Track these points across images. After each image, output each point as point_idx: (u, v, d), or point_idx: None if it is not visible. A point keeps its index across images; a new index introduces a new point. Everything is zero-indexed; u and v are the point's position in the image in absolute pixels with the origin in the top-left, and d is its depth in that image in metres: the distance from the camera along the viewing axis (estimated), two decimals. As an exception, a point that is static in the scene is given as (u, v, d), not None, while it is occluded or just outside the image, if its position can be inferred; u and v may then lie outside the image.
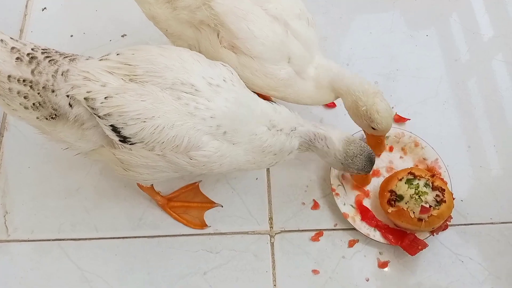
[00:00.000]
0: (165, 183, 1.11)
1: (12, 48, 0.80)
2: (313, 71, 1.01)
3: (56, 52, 0.84)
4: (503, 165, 1.18)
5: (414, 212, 1.00)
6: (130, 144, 0.81)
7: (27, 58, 0.81)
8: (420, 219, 0.99)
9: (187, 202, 1.10)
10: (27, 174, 1.12)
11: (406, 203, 1.01)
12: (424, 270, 1.05)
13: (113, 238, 1.07)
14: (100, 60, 0.83)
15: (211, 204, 1.11)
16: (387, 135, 1.15)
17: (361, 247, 1.07)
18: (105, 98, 0.78)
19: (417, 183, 1.02)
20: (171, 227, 1.08)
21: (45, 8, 1.31)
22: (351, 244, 1.07)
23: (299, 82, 1.00)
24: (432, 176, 1.05)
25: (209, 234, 1.08)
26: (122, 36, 1.29)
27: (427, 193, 1.01)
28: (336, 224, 1.09)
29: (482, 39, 1.35)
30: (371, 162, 0.98)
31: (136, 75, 0.80)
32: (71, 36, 1.28)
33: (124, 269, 1.04)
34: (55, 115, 0.83)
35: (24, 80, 0.80)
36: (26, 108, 0.83)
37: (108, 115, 0.78)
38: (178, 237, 1.07)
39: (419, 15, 1.37)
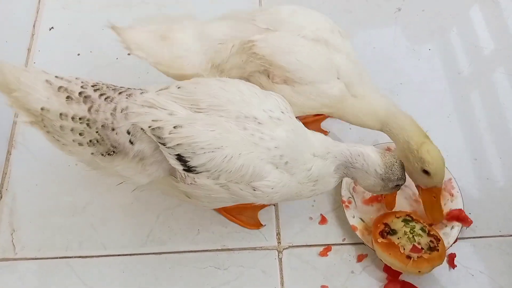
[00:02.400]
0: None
1: (60, 87, 0.81)
2: (363, 91, 1.03)
3: (108, 87, 0.84)
4: (510, 177, 1.18)
5: (404, 248, 0.98)
6: (195, 174, 0.80)
7: (79, 97, 0.80)
8: (408, 257, 0.97)
9: (240, 203, 1.10)
10: (34, 192, 1.13)
11: (398, 238, 1.00)
12: (434, 284, 1.04)
13: (121, 255, 1.07)
14: (160, 90, 0.84)
15: (263, 204, 1.11)
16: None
17: (370, 261, 1.06)
18: (174, 127, 0.77)
19: (414, 225, 1.02)
20: (179, 244, 1.08)
21: (52, 27, 1.32)
22: (360, 258, 1.07)
23: (349, 99, 1.02)
24: (430, 225, 1.05)
25: (217, 250, 1.07)
26: (129, 54, 1.30)
27: (421, 236, 1.00)
28: (345, 239, 1.09)
29: (484, 52, 1.37)
30: (404, 169, 0.96)
31: (200, 108, 0.80)
32: (78, 54, 1.29)
33: (132, 287, 1.03)
34: (113, 151, 0.82)
35: (80, 118, 0.80)
36: (80, 144, 0.82)
37: (177, 145, 0.78)
38: (186, 253, 1.07)
39: (421, 30, 1.39)
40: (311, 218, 1.12)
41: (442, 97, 1.29)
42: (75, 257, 1.06)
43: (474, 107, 1.28)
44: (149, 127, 0.78)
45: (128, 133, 0.80)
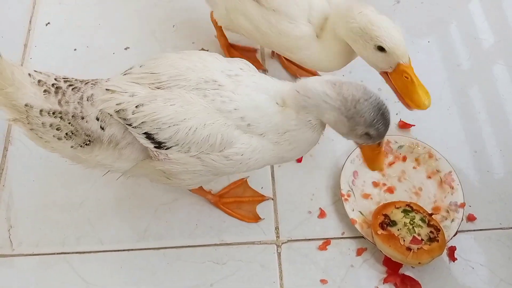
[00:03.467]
0: (213, 182, 1.11)
1: (39, 81, 0.81)
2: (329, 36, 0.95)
3: (77, 80, 0.85)
4: (509, 169, 1.17)
5: (404, 240, 0.98)
6: (166, 149, 0.81)
7: (53, 89, 0.81)
8: (408, 249, 0.97)
9: (239, 197, 1.11)
10: (31, 188, 1.12)
11: (398, 229, 0.99)
12: (434, 277, 1.03)
13: (119, 250, 1.06)
14: (124, 74, 0.84)
15: (261, 197, 1.11)
16: (401, 144, 1.13)
17: (370, 255, 1.05)
18: (136, 107, 0.78)
19: (414, 215, 1.01)
20: (177, 239, 1.07)
21: (48, 23, 1.32)
22: (359, 252, 1.06)
23: (315, 44, 0.96)
24: (430, 215, 1.04)
25: (215, 245, 1.07)
26: (125, 48, 1.30)
27: (421, 227, 1.00)
28: (344, 233, 1.08)
29: (483, 45, 1.36)
30: (383, 113, 0.77)
31: (161, 82, 0.80)
32: (75, 49, 1.28)
33: (130, 282, 1.02)
34: (89, 141, 0.83)
35: (53, 112, 0.81)
36: (59, 139, 0.83)
37: (142, 123, 0.79)
38: (184, 248, 1.06)
39: (419, 22, 1.38)
40: (310, 212, 1.11)
41: (442, 89, 1.28)
42: (72, 252, 1.06)
43: (473, 99, 1.27)
44: (115, 111, 0.79)
45: (97, 119, 0.81)
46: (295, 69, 1.27)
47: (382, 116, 0.77)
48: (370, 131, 0.78)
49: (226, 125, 0.80)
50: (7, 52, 1.17)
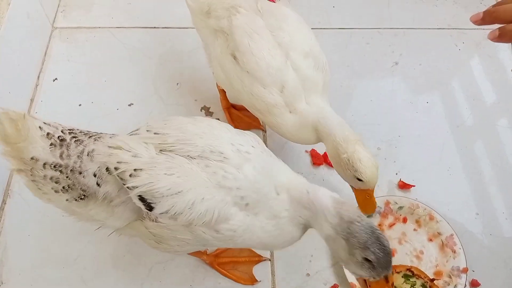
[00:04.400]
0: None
1: (48, 134, 0.81)
2: (303, 106, 1.01)
3: (81, 132, 0.85)
4: (513, 233, 1.14)
5: None
6: (159, 214, 0.79)
7: (58, 142, 0.81)
8: None
9: (235, 257, 1.08)
10: (26, 243, 1.11)
11: None
12: None
13: (110, 311, 1.03)
14: (130, 135, 0.84)
15: (258, 258, 1.09)
16: (401, 205, 1.13)
17: (369, 321, 1.01)
18: (135, 170, 0.77)
19: (415, 281, 0.99)
20: (170, 300, 1.04)
21: (56, 78, 1.36)
22: (359, 318, 1.02)
23: (285, 114, 1.00)
24: (432, 280, 1.01)
25: (210, 306, 1.03)
26: (129, 105, 1.32)
27: None
28: (342, 297, 1.05)
29: (484, 105, 1.37)
30: (377, 237, 0.75)
31: (167, 144, 0.80)
32: (80, 105, 1.31)
33: None
34: (84, 195, 0.82)
35: (55, 165, 0.80)
36: (56, 191, 0.82)
37: (138, 191, 0.77)
38: (177, 310, 1.03)
39: (418, 83, 1.40)
40: (308, 274, 1.08)
41: (442, 150, 1.28)
42: (62, 312, 1.03)
43: (474, 160, 1.27)
44: (115, 168, 0.78)
45: (95, 175, 0.81)
46: None
47: (377, 239, 0.75)
48: (368, 255, 0.75)
49: (224, 202, 0.78)
50: (13, 107, 1.21)
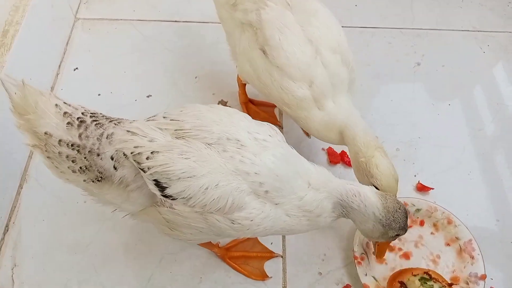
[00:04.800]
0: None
1: (65, 113, 0.82)
2: (331, 105, 1.00)
3: (103, 116, 0.85)
4: (535, 242, 1.10)
5: None
6: (171, 199, 0.79)
7: (77, 122, 0.82)
8: None
9: (246, 252, 1.07)
10: (40, 227, 1.12)
11: None
12: None
13: (119, 299, 1.03)
14: (147, 120, 0.85)
15: (270, 254, 1.08)
16: (419, 207, 1.11)
17: (381, 324, 0.99)
18: (151, 153, 0.78)
19: (432, 285, 0.96)
20: (180, 291, 1.03)
21: (76, 68, 1.37)
22: (371, 319, 0.99)
23: (313, 109, 1.00)
24: (450, 285, 0.98)
25: (219, 301, 1.02)
26: (147, 96, 1.33)
27: None
28: (355, 297, 1.02)
29: (507, 110, 1.33)
30: (407, 217, 0.89)
31: (183, 130, 0.80)
32: (99, 95, 1.32)
33: (127, 334, 0.98)
34: (101, 177, 0.83)
35: (72, 145, 0.81)
36: (73, 171, 0.83)
37: (153, 171, 0.77)
38: (186, 301, 1.02)
39: (440, 85, 1.37)
40: (320, 273, 1.06)
41: (462, 154, 1.25)
42: (72, 297, 1.03)
43: (496, 165, 1.23)
44: (131, 153, 0.79)
45: (112, 158, 0.81)
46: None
47: (407, 219, 0.88)
48: (401, 232, 0.88)
49: (239, 190, 0.77)
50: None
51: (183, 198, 0.78)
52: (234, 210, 0.78)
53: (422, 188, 1.18)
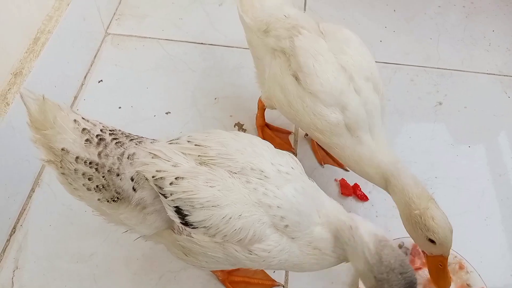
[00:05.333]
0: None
1: (83, 129, 0.80)
2: (369, 139, 0.98)
3: (122, 133, 0.84)
4: (553, 297, 1.04)
5: None
6: (192, 228, 0.77)
7: (96, 140, 0.80)
8: None
9: (248, 277, 1.05)
10: (47, 233, 1.12)
11: None
12: None
13: (115, 313, 1.02)
14: (170, 143, 0.83)
15: (272, 282, 1.05)
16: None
17: None
18: (176, 179, 0.76)
19: None
20: (176, 311, 1.01)
21: (101, 80, 1.41)
22: None
23: (347, 137, 0.98)
24: None
25: (216, 327, 0.99)
26: (166, 113, 1.35)
27: None
28: (356, 336, 0.98)
29: (531, 158, 1.29)
30: (411, 285, 0.77)
31: (208, 156, 0.78)
32: (119, 107, 1.35)
33: None
34: (117, 198, 0.81)
35: (90, 162, 0.79)
36: (88, 189, 0.81)
37: (176, 197, 0.75)
38: (181, 323, 1.00)
39: (461, 126, 1.35)
40: (322, 307, 1.03)
41: (481, 198, 1.21)
42: (69, 307, 1.02)
43: (516, 214, 1.19)
44: (153, 177, 0.77)
45: (132, 180, 0.79)
46: (322, 155, 1.25)
47: (407, 284, 0.76)
48: None
49: (261, 222, 0.76)
50: (56, 101, 1.26)
51: (204, 227, 0.76)
52: (254, 242, 0.77)
53: (435, 230, 1.14)
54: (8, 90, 1.06)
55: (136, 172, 0.78)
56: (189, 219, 0.76)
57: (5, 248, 1.09)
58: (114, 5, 1.58)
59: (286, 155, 0.84)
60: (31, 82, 1.11)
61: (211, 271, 1.04)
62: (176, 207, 0.76)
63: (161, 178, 0.76)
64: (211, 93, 1.39)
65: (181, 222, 0.77)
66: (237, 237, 0.76)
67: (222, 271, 1.04)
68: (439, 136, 1.33)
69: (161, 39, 1.52)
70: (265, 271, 1.07)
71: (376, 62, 1.47)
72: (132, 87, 1.40)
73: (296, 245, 0.80)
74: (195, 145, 0.80)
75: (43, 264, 1.08)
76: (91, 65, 1.43)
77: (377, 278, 0.77)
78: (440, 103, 1.40)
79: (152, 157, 0.78)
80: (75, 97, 1.36)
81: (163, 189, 0.76)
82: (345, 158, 1.02)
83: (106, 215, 0.86)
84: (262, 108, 1.23)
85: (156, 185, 0.77)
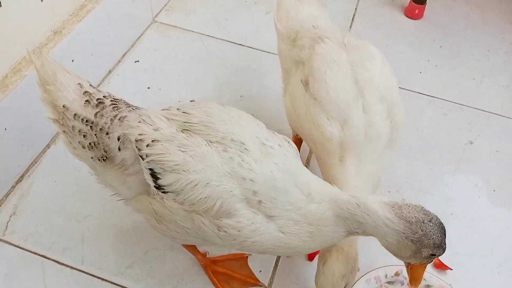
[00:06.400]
0: (214, 246, 1.04)
1: (85, 92, 0.86)
2: (352, 166, 0.91)
3: (124, 102, 0.88)
4: None
5: None
6: (162, 192, 0.78)
7: (95, 102, 0.85)
8: None
9: (232, 271, 1.02)
10: (50, 187, 1.15)
11: None
12: None
13: (93, 275, 1.01)
14: (163, 109, 0.86)
15: (255, 281, 1.01)
16: (430, 283, 1.00)
17: None
18: (152, 141, 0.78)
19: None
20: None
21: (137, 61, 1.46)
22: None
23: (335, 155, 0.92)
24: None
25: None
26: (191, 101, 1.37)
27: None
28: None
29: None
30: (444, 232, 0.76)
31: (190, 123, 0.79)
32: (148, 88, 1.39)
33: (86, 311, 0.95)
34: (106, 157, 0.85)
35: (86, 120, 0.84)
36: (83, 147, 0.86)
37: (151, 160, 0.77)
38: (154, 299, 0.97)
39: (490, 169, 1.27)
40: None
41: (496, 243, 1.12)
42: (52, 259, 1.03)
43: (533, 268, 1.08)
44: (135, 139, 0.79)
45: (118, 139, 0.82)
46: None
47: (444, 235, 0.76)
48: (438, 251, 0.76)
49: (231, 194, 0.74)
50: (90, 69, 1.31)
51: (173, 192, 0.76)
52: (222, 215, 0.75)
53: (439, 265, 1.06)
54: (45, 44, 1.12)
55: (124, 132, 0.81)
56: (160, 182, 0.76)
57: (9, 193, 1.13)
58: (167, -3, 1.65)
59: (278, 135, 0.82)
60: (67, 42, 1.17)
61: (192, 253, 1.01)
62: (151, 169, 0.77)
63: (141, 140, 0.78)
64: (238, 90, 1.40)
65: (154, 186, 0.77)
66: (204, 206, 0.74)
67: (205, 257, 1.02)
68: (463, 174, 1.25)
69: (203, 34, 1.56)
70: (252, 269, 1.04)
71: (410, 90, 1.45)
72: (165, 72, 1.44)
73: (275, 225, 0.76)
74: (183, 112, 0.81)
75: (39, 216, 1.10)
76: (132, 46, 1.49)
77: (414, 240, 0.74)
78: (471, 142, 1.33)
79: (139, 122, 0.81)
80: (109, 71, 1.41)
81: (141, 151, 0.78)
82: (325, 177, 0.95)
83: (98, 174, 0.89)
84: (297, 140, 1.16)
85: (136, 147, 0.79)
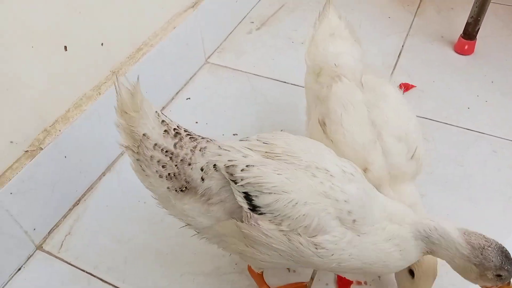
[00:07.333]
0: (272, 276, 1.08)
1: (163, 121, 0.86)
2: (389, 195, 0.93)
3: (197, 134, 0.91)
4: None
5: None
6: (259, 214, 0.79)
7: (173, 132, 0.86)
8: None
9: None
10: (102, 211, 1.26)
11: None
12: None
13: (131, 294, 1.08)
14: (240, 140, 0.89)
15: None
16: None
17: None
18: (246, 166, 0.80)
19: None
20: (183, 309, 1.04)
21: (189, 98, 1.58)
22: None
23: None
24: None
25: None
26: (234, 134, 1.44)
27: None
28: None
29: None
30: (506, 255, 0.81)
31: (274, 153, 0.83)
32: (196, 122, 1.49)
33: (122, 327, 1.01)
34: (186, 187, 0.85)
35: (167, 151, 0.84)
36: (160, 176, 0.85)
37: (246, 183, 0.79)
38: (183, 320, 1.02)
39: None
40: None
41: None
42: (97, 277, 1.12)
43: None
44: (225, 165, 0.81)
45: (201, 169, 0.83)
46: None
47: (507, 257, 0.82)
48: (502, 272, 0.82)
49: (326, 212, 0.77)
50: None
51: (271, 213, 0.78)
52: (318, 232, 0.78)
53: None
54: (104, 83, 1.27)
55: (207, 163, 0.82)
56: (256, 202, 0.79)
57: (66, 215, 1.26)
58: (220, 40, 1.78)
59: (348, 161, 0.86)
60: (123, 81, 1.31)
61: (257, 282, 1.03)
62: (245, 192, 0.80)
63: (232, 165, 0.80)
64: (279, 125, 1.46)
65: (248, 208, 0.80)
66: (302, 224, 0.77)
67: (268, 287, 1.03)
68: (508, 215, 1.18)
69: (251, 73, 1.66)
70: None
71: (455, 126, 1.42)
72: (213, 108, 1.54)
73: (368, 240, 0.81)
74: (263, 142, 0.85)
75: (89, 237, 1.21)
76: (185, 85, 1.62)
77: (477, 264, 0.81)
78: (495, 151, 1.26)
79: (226, 150, 0.83)
80: (163, 107, 1.54)
81: (234, 175, 0.79)
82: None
83: (169, 206, 0.88)
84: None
85: (227, 172, 0.81)
